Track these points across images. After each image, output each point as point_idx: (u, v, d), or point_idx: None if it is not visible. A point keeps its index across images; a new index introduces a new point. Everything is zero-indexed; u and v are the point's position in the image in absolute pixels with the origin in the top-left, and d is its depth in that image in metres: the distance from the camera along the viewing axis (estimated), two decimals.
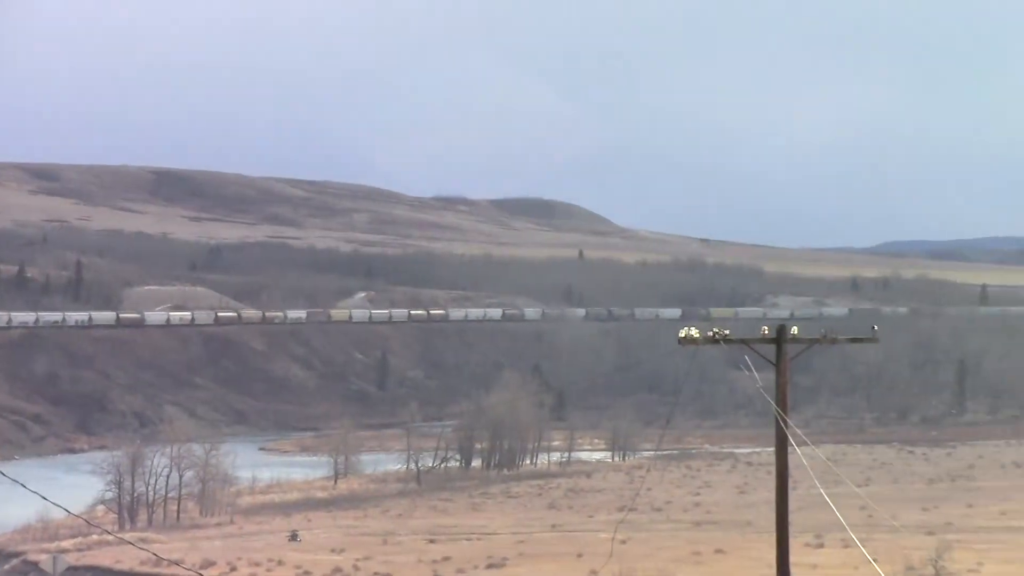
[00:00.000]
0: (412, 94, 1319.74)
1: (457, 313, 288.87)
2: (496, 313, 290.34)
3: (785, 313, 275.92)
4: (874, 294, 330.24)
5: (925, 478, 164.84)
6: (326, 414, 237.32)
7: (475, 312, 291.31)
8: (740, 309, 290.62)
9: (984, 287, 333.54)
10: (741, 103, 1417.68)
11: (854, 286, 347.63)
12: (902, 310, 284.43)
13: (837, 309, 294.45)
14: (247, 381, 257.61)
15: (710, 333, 29.23)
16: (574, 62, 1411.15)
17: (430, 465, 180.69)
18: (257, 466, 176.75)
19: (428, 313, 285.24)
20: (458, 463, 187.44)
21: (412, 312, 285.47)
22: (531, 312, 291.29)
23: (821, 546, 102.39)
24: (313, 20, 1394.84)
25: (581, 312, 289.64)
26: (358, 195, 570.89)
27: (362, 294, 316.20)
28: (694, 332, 29.35)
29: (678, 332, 29.72)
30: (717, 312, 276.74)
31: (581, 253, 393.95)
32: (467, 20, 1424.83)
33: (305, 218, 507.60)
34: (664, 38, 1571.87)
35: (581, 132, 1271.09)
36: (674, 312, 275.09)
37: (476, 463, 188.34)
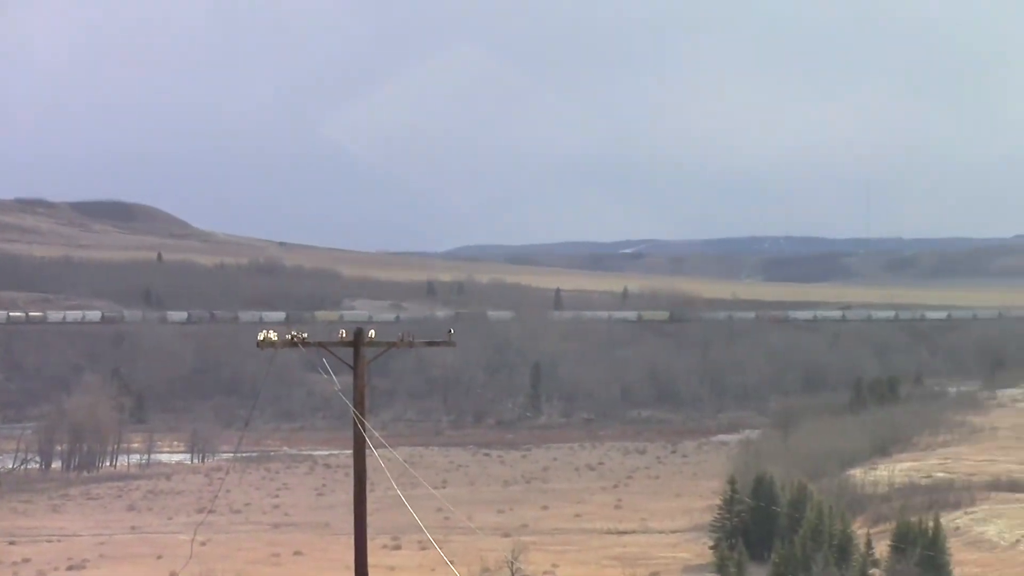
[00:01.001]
0: None
1: (36, 315, 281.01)
2: (75, 315, 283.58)
3: (363, 316, 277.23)
4: (450, 298, 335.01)
5: (501, 480, 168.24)
6: None
7: (54, 315, 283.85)
8: (346, 312, 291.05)
9: (558, 291, 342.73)
10: (316, 107, 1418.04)
11: (431, 290, 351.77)
12: (478, 314, 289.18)
13: (414, 313, 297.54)
14: None
15: (288, 336, 29.16)
16: (163, 65, 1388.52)
17: (10, 467, 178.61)
18: None
19: (8, 315, 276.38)
20: (38, 465, 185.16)
21: None
22: (110, 315, 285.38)
23: (399, 548, 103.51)
24: None
25: (160, 315, 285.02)
26: None
27: None
28: (272, 335, 29.23)
29: (257, 335, 29.55)
30: (322, 315, 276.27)
31: (160, 256, 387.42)
32: (43, 15, 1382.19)
33: None
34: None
35: (162, 134, 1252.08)
36: (279, 315, 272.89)
37: (56, 465, 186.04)
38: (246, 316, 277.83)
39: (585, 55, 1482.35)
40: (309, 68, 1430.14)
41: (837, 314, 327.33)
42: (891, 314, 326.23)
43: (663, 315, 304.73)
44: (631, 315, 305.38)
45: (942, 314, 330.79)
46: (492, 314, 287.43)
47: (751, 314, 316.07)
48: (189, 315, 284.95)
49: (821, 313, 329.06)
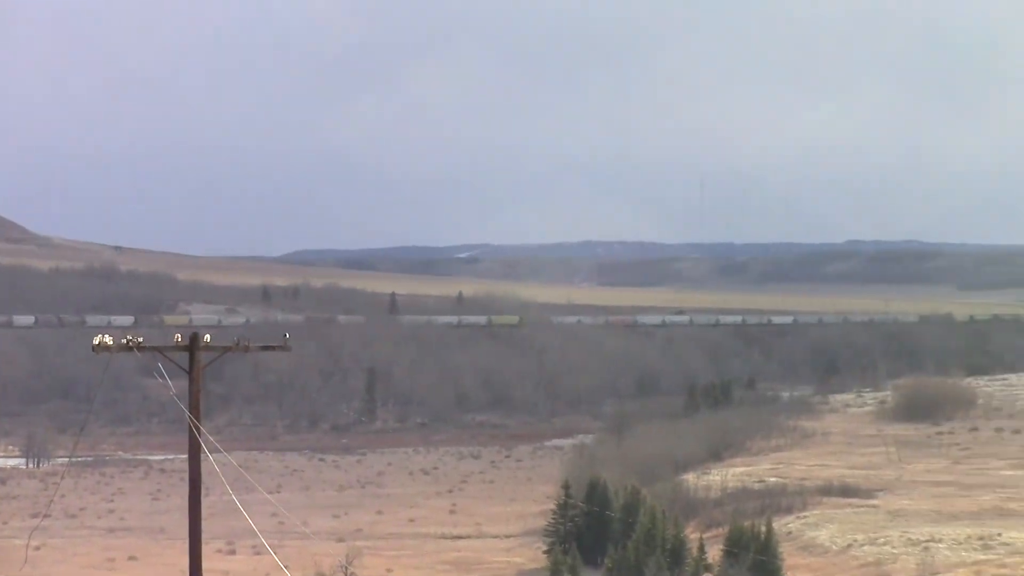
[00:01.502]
0: None
1: None
2: None
3: (213, 320, 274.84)
4: (285, 303, 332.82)
5: (336, 485, 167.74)
6: None
7: None
8: (195, 316, 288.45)
9: (393, 296, 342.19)
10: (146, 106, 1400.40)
11: (266, 295, 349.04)
12: (313, 318, 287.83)
13: (250, 317, 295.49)
14: None
15: (124, 340, 28.80)
16: None
17: None
18: None
19: None
20: None
21: None
22: None
23: (233, 552, 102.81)
24: None
25: (6, 318, 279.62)
26: None
27: None
28: (108, 339, 28.84)
29: (93, 339, 29.16)
30: (170, 320, 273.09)
31: None
32: None
33: None
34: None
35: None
36: (127, 319, 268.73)
37: None
38: (94, 320, 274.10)
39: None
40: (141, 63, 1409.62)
41: (685, 319, 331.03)
42: (724, 319, 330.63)
43: (498, 319, 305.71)
44: (466, 320, 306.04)
45: (775, 319, 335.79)
46: (327, 318, 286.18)
47: (586, 318, 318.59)
48: (36, 319, 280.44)
49: (669, 318, 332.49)
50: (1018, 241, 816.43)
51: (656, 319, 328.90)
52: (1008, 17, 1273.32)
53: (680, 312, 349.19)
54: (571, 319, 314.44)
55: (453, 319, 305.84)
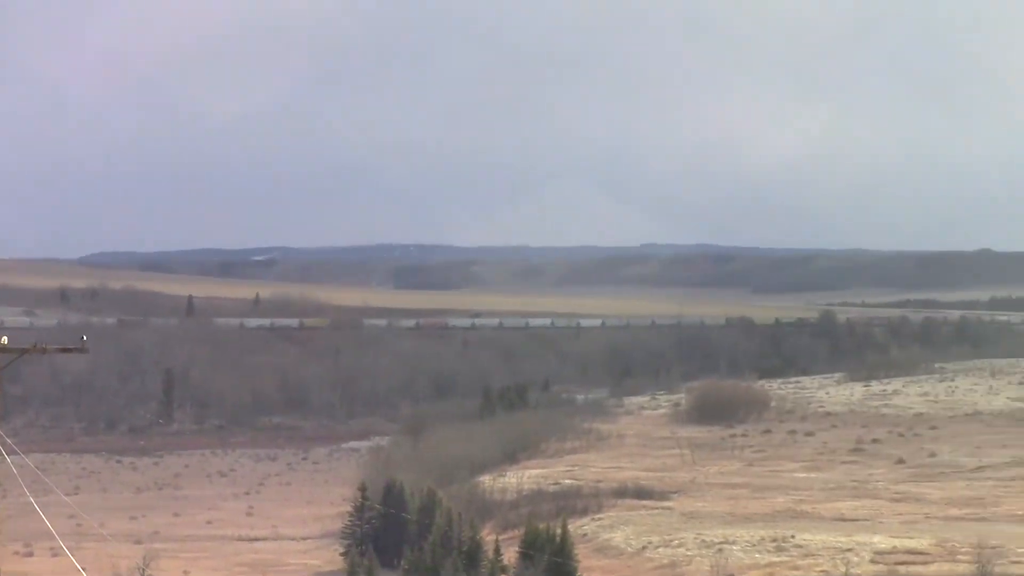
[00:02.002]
0: None
1: None
2: None
3: (25, 323, 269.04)
4: (83, 305, 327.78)
5: (133, 487, 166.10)
6: None
7: None
8: (7, 319, 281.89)
9: (190, 298, 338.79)
10: None
11: (63, 297, 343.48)
12: (110, 320, 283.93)
13: (47, 319, 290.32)
14: None
15: None
16: None
17: None
18: None
19: None
20: None
21: None
22: None
23: (31, 555, 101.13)
24: None
25: None
26: None
27: None
28: None
29: None
30: None
31: None
32: None
33: None
34: None
35: None
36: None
37: None
38: None
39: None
40: None
41: (495, 321, 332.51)
42: (520, 321, 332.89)
43: (294, 322, 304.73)
44: (263, 322, 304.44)
45: (570, 322, 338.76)
46: (125, 320, 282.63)
47: (397, 321, 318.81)
48: None
49: (480, 321, 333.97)
50: (810, 245, 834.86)
51: (466, 322, 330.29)
52: None
53: (477, 315, 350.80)
54: (380, 322, 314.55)
55: (266, 322, 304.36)
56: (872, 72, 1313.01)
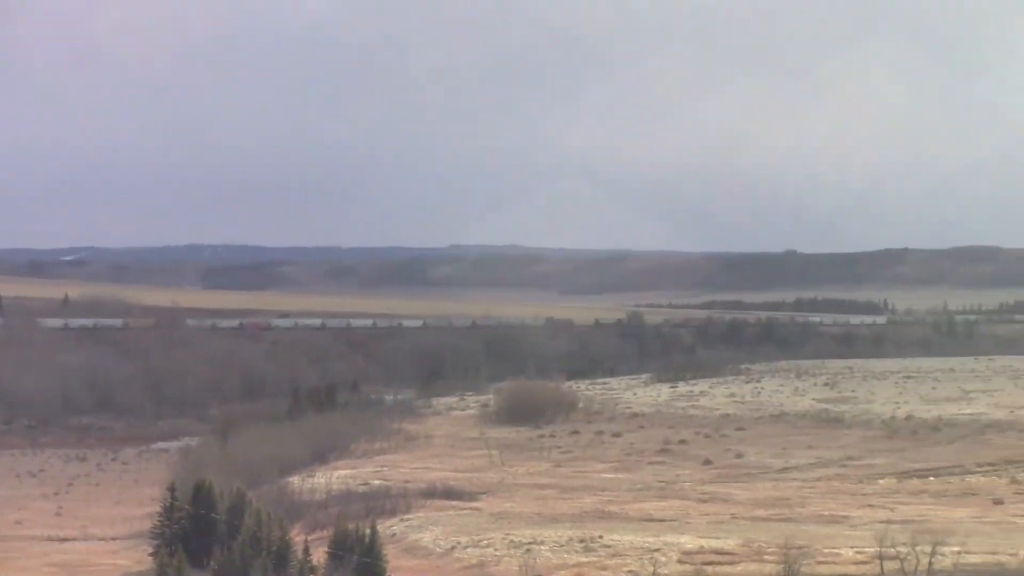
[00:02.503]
0: None
1: None
2: None
3: None
4: None
5: None
6: None
7: None
8: None
9: None
10: None
11: None
12: None
13: None
14: None
15: None
16: None
17: None
18: None
19: None
20: None
21: None
22: None
23: None
24: None
25: None
26: None
27: None
28: None
29: None
30: None
31: None
32: None
33: None
34: None
35: None
36: None
37: None
38: None
39: None
40: None
41: (317, 322, 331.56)
42: (330, 322, 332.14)
43: (104, 322, 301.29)
44: (73, 322, 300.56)
45: (380, 322, 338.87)
46: None
47: (192, 321, 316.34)
48: None
49: (302, 321, 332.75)
50: (619, 246, 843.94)
51: (288, 322, 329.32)
52: None
53: (286, 315, 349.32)
54: (192, 322, 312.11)
55: (86, 322, 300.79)
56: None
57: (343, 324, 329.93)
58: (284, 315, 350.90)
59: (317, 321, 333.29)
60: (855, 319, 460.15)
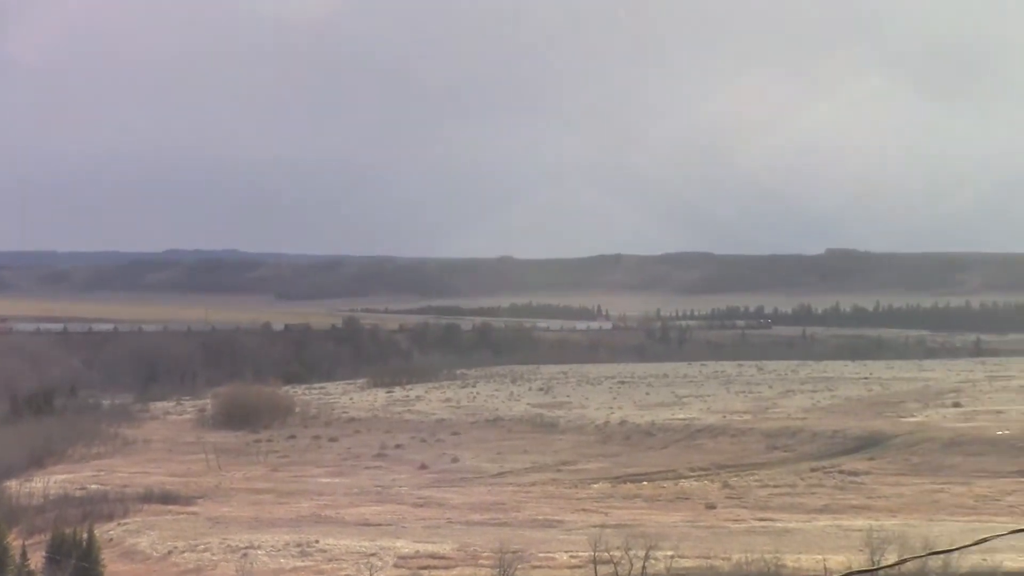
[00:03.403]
0: None
1: None
2: None
3: None
4: None
5: None
6: None
7: None
8: None
9: None
10: None
11: None
12: None
13: None
14: None
15: None
16: None
17: None
18: None
19: None
20: None
21: None
22: None
23: None
24: None
25: None
26: None
27: None
28: None
29: None
30: None
31: None
32: None
33: None
34: None
35: None
36: None
37: None
38: None
39: None
40: None
41: (33, 327, 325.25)
42: (46, 327, 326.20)
43: None
44: None
45: (97, 327, 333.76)
46: None
47: None
48: None
49: (44, 326, 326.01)
50: (336, 252, 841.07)
51: (31, 326, 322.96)
52: None
53: (3, 320, 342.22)
54: None
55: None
56: None
57: (60, 328, 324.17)
58: (1, 319, 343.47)
59: (33, 326, 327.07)
60: (570, 324, 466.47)
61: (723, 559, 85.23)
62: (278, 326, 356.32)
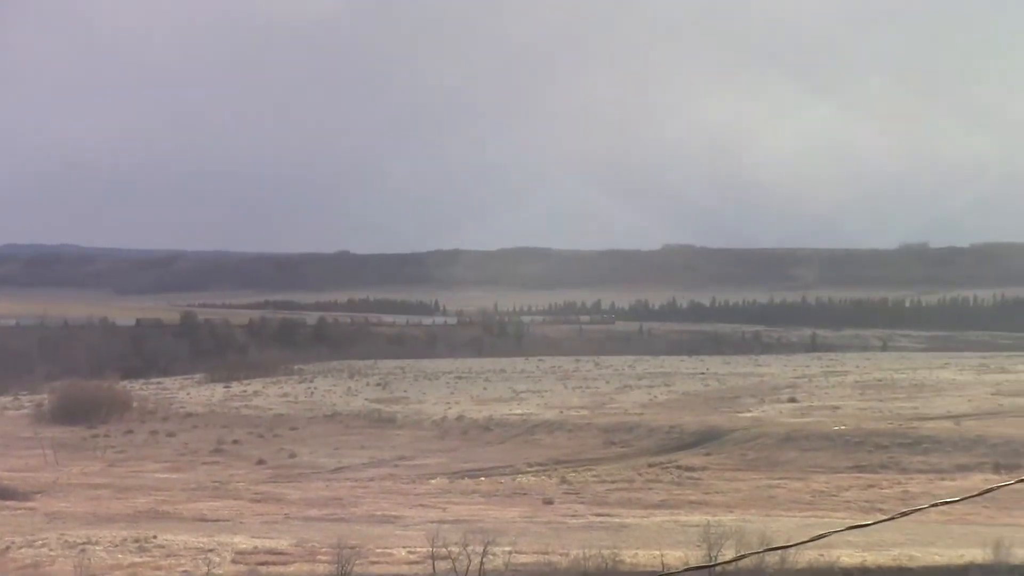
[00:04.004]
0: None
1: None
2: None
3: None
4: None
5: None
6: None
7: None
8: None
9: None
10: None
11: None
12: None
13: None
14: None
15: None
16: None
17: None
18: None
19: None
20: None
21: None
22: None
23: None
24: None
25: None
26: None
27: None
28: None
29: None
30: None
31: None
32: None
33: None
34: None
35: None
36: None
37: None
38: None
39: None
40: None
41: None
42: None
43: None
44: None
45: None
46: None
47: None
48: None
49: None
50: (172, 246, 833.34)
51: None
52: None
53: None
54: None
55: None
56: None
57: None
58: None
59: None
60: (406, 319, 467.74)
61: (561, 554, 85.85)
62: (124, 321, 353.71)
